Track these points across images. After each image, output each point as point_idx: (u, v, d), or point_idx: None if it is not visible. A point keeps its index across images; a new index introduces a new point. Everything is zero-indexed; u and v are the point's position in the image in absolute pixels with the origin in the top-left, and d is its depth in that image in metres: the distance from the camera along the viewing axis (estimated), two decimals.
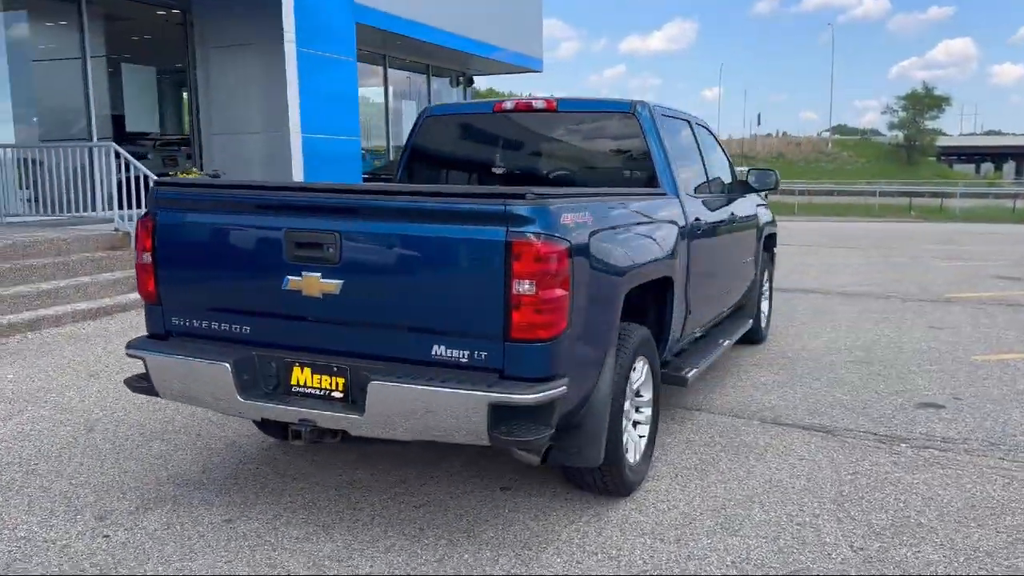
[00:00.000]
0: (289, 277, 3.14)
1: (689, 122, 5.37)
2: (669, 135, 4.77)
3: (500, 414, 2.87)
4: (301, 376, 3.22)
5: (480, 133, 5.05)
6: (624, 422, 3.63)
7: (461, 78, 21.02)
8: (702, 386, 5.63)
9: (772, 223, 7.04)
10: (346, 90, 13.28)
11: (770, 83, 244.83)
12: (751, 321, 6.42)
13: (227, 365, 3.20)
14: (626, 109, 4.62)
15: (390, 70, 18.13)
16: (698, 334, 5.32)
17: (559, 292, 2.90)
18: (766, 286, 7.09)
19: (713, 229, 5.04)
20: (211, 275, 3.40)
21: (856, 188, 43.50)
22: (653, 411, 4.01)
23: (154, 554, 3.20)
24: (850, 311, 8.85)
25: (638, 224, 3.80)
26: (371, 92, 17.95)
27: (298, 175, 11.90)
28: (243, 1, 11.86)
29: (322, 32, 12.63)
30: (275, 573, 3.05)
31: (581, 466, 3.44)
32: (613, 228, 3.43)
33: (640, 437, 3.93)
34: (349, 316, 3.11)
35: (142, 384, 3.50)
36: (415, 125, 5.07)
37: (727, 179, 6.02)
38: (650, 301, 4.13)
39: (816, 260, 14.35)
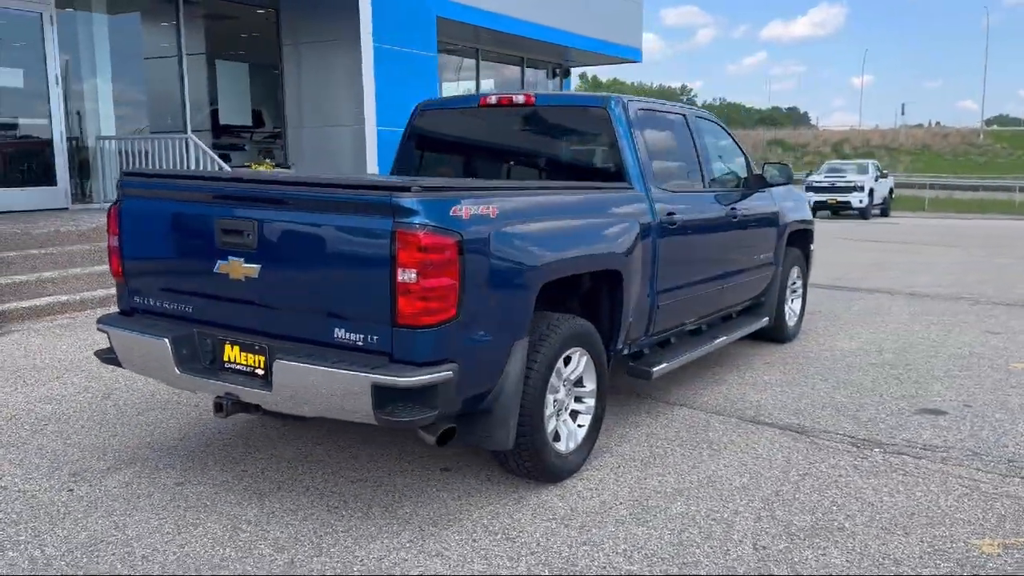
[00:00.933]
0: (219, 261, 3.42)
1: (684, 117, 5.34)
2: (648, 130, 4.79)
3: (385, 395, 3.05)
4: (231, 353, 3.49)
5: (466, 126, 5.20)
6: (548, 410, 3.71)
7: (557, 69, 21.12)
8: (695, 381, 5.61)
9: (804, 220, 6.86)
10: (425, 84, 13.64)
11: (923, 70, 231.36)
12: (767, 319, 6.30)
13: (167, 341, 3.51)
14: (598, 104, 4.67)
15: (483, 63, 18.43)
16: (689, 328, 5.31)
17: (445, 281, 3.04)
18: (797, 283, 6.90)
19: (699, 225, 5.02)
20: (161, 258, 3.74)
21: (999, 183, 40.87)
22: (597, 402, 4.06)
23: (102, 508, 3.55)
24: (905, 312, 8.47)
25: (572, 218, 3.86)
26: (465, 86, 18.33)
27: (372, 167, 12.37)
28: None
29: (402, 27, 13.05)
30: (196, 531, 3.34)
31: (493, 449, 3.56)
32: (529, 221, 3.52)
33: (579, 427, 4.00)
34: (267, 299, 3.35)
35: (110, 356, 3.88)
36: (410, 118, 5.29)
37: (741, 174, 5.94)
38: (598, 294, 4.19)
39: (903, 258, 13.69)
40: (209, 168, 10.36)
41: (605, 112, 4.62)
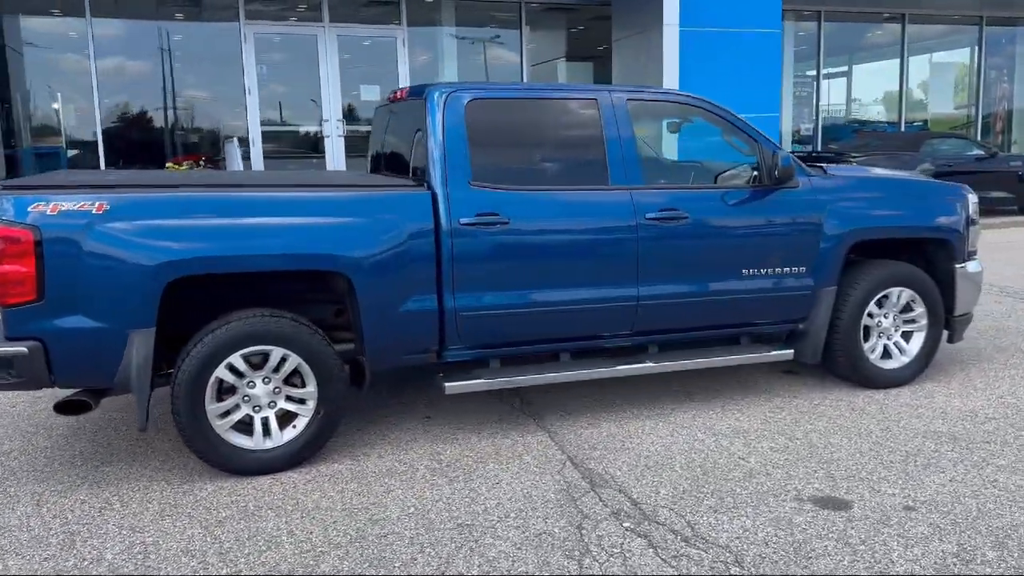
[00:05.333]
0: None
1: (597, 105, 4.54)
2: (486, 124, 4.34)
3: None
4: None
5: (383, 121, 5.25)
6: (215, 405, 3.84)
7: None
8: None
9: (913, 226, 5.12)
10: (760, 64, 12.63)
11: None
12: (792, 351, 4.94)
13: None
14: (419, 95, 4.40)
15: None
16: (570, 349, 4.63)
17: (21, 269, 3.53)
18: (913, 313, 5.13)
19: (560, 230, 4.38)
20: None
21: None
22: (317, 404, 4.01)
23: None
24: None
25: (272, 216, 3.88)
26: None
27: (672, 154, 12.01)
28: None
29: (726, 4, 12.36)
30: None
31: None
32: (171, 217, 3.71)
33: (294, 428, 4.02)
34: None
35: None
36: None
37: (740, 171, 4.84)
38: (335, 297, 4.09)
39: None
40: None
41: (423, 105, 4.34)
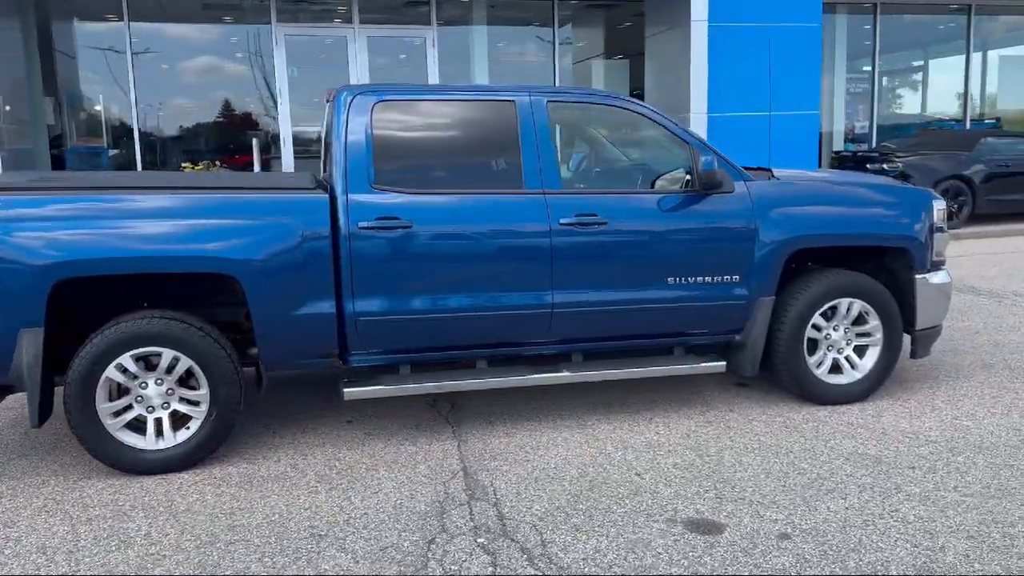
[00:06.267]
0: None
1: (514, 106, 4.44)
2: (396, 126, 4.31)
3: None
4: None
5: (325, 122, 5.24)
6: (107, 404, 3.91)
7: None
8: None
9: (865, 234, 4.84)
10: (798, 60, 12.17)
11: None
12: (724, 363, 4.73)
13: None
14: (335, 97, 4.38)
15: None
16: (489, 356, 4.55)
17: None
18: (868, 327, 4.83)
19: (468, 235, 4.29)
20: None
21: None
22: (210, 406, 4.04)
23: None
24: None
25: (144, 218, 3.92)
26: None
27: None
28: None
29: (771, 2, 11.95)
30: None
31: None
32: (47, 220, 3.80)
33: (187, 429, 4.07)
34: None
35: None
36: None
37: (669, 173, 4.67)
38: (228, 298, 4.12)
39: None
40: None
41: (332, 106, 4.33)
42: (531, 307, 4.39)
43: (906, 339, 5.03)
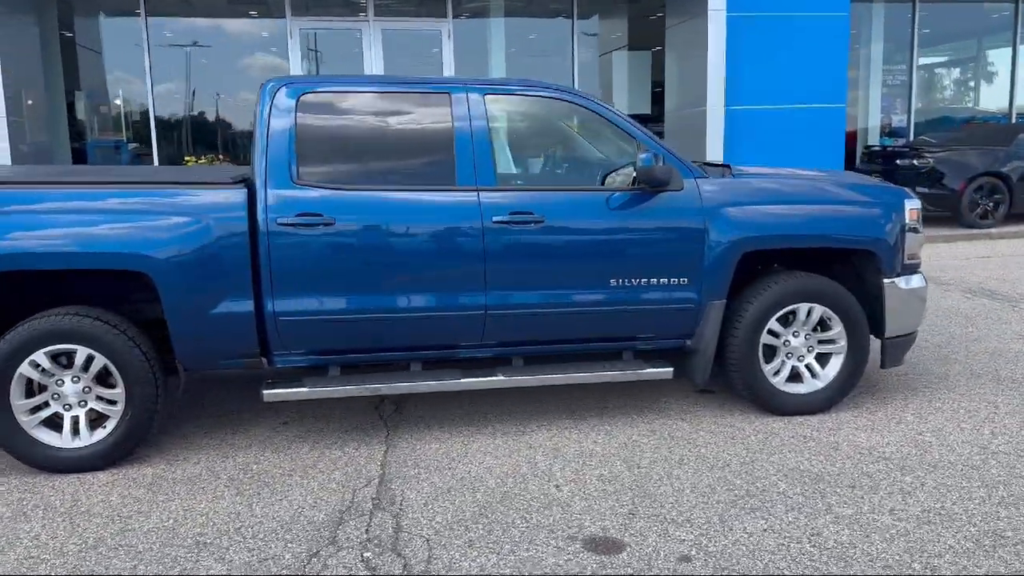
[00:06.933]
0: None
1: (449, 99, 4.27)
2: (325, 119, 4.19)
3: None
4: None
5: None
6: (22, 401, 3.86)
7: None
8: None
9: (823, 234, 4.55)
10: (823, 52, 11.72)
11: None
12: (671, 369, 4.51)
13: None
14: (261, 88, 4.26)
15: None
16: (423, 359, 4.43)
17: None
18: (833, 333, 4.56)
19: (391, 232, 4.14)
20: None
21: None
22: (125, 405, 3.97)
23: None
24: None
25: (53, 213, 3.85)
26: None
27: (715, 154, 11.33)
28: None
29: None
30: None
31: None
32: None
33: (104, 428, 4.02)
34: None
35: None
36: None
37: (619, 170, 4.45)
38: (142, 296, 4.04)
39: None
40: None
41: (258, 97, 4.22)
42: (463, 309, 4.22)
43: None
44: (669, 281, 4.37)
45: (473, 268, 4.19)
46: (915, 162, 11.95)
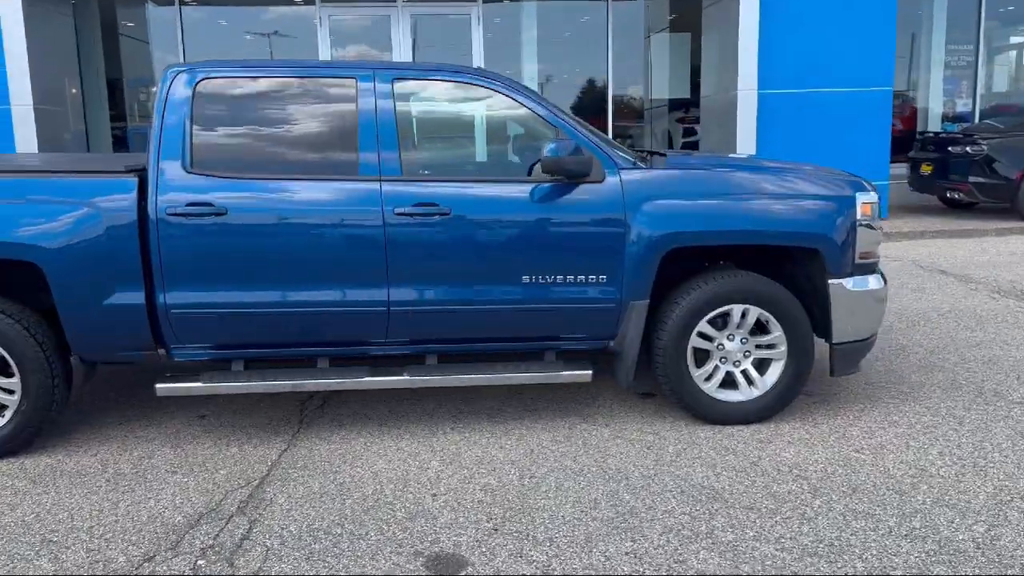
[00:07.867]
0: None
1: (355, 86, 4.09)
2: (225, 106, 4.08)
3: None
4: None
5: None
6: None
7: None
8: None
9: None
10: (868, 33, 11.01)
11: None
12: (590, 371, 4.23)
13: None
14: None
15: None
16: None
17: None
18: (773, 338, 4.21)
19: (288, 225, 3.99)
20: None
21: None
22: (21, 396, 3.96)
23: None
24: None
25: None
26: None
27: (747, 141, 10.80)
28: None
29: None
30: None
31: None
32: None
33: (2, 417, 4.01)
34: None
35: None
36: None
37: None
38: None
39: None
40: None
41: (158, 83, 4.12)
42: (364, 304, 4.05)
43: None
44: (587, 279, 4.09)
45: (374, 262, 4.01)
46: (968, 149, 11.14)
